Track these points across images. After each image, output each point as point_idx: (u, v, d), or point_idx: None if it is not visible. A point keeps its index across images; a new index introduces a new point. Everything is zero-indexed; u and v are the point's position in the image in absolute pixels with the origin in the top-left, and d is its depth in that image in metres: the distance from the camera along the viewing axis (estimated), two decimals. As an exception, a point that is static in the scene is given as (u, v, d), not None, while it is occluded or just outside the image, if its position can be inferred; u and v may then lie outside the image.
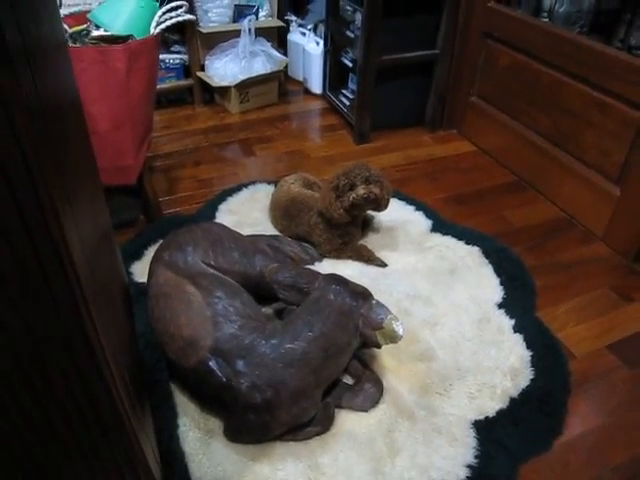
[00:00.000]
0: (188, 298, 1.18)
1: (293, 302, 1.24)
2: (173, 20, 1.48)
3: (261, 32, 2.52)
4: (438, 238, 1.73)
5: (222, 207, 1.85)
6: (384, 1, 1.96)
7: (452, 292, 1.52)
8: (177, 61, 2.52)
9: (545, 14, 2.18)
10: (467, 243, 1.70)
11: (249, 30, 2.37)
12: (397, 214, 1.83)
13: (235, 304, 1.18)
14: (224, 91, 2.54)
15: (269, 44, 2.51)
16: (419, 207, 1.87)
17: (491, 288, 1.54)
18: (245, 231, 1.69)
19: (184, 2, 1.60)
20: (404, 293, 1.51)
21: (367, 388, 1.22)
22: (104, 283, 0.90)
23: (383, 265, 1.61)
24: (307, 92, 2.80)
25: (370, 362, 1.31)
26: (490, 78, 2.16)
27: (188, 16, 1.55)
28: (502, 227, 1.84)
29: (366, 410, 1.20)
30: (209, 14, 2.45)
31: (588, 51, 1.70)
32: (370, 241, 1.71)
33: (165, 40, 2.53)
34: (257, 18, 2.51)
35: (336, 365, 1.13)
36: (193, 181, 2.10)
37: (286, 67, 2.75)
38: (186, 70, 2.55)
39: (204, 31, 2.44)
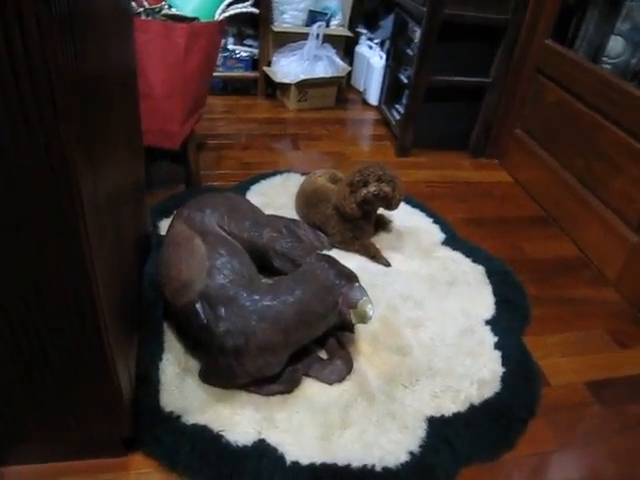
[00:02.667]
0: (193, 248, 1.32)
1: (286, 271, 1.35)
2: (237, 10, 1.65)
3: (329, 39, 2.67)
4: (447, 251, 1.79)
5: (254, 188, 2.00)
6: (442, 24, 2.06)
7: (445, 301, 1.58)
8: (247, 54, 2.72)
9: (605, 59, 2.20)
10: (473, 261, 1.76)
11: (317, 35, 2.53)
12: (414, 222, 1.91)
13: (233, 262, 1.30)
14: (285, 88, 2.70)
15: (334, 51, 2.66)
16: (437, 220, 1.94)
17: (484, 305, 1.59)
18: (268, 212, 1.83)
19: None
20: (398, 292, 1.58)
21: (337, 364, 1.31)
22: (115, 225, 1.05)
23: (387, 264, 1.70)
24: (364, 102, 2.93)
25: (347, 344, 1.39)
26: (536, 113, 2.20)
27: (252, 9, 1.71)
28: (515, 255, 1.87)
29: (330, 383, 1.29)
30: (284, 15, 2.64)
31: (632, 99, 1.73)
32: (380, 241, 1.80)
33: (240, 33, 2.74)
34: (328, 25, 2.67)
35: (307, 331, 1.22)
36: (237, 162, 2.27)
37: (349, 75, 2.90)
38: (254, 63, 2.75)
39: (276, 30, 2.62)
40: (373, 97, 2.82)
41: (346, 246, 1.72)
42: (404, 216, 1.94)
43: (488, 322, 1.53)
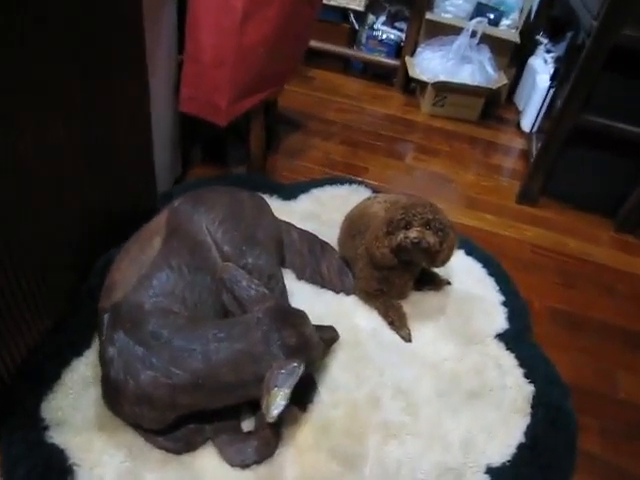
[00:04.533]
0: (144, 248, 1.13)
1: (231, 311, 1.09)
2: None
3: (491, 41, 2.20)
4: (497, 349, 1.33)
5: (314, 191, 1.73)
6: (614, 48, 1.50)
7: (450, 418, 1.16)
8: (393, 37, 2.38)
9: None
10: (526, 375, 1.28)
11: (473, 32, 2.09)
12: (477, 293, 1.47)
13: (179, 281, 1.08)
14: (423, 86, 2.32)
15: (489, 56, 2.19)
16: (512, 302, 1.46)
17: (499, 447, 1.13)
18: (309, 225, 1.56)
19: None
20: (394, 380, 1.21)
21: (250, 444, 1.03)
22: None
23: (406, 339, 1.32)
24: (517, 125, 2.40)
25: (285, 423, 1.09)
26: None
27: None
28: (598, 387, 1.33)
29: (232, 464, 1.02)
30: (446, 2, 2.23)
31: None
32: (417, 304, 1.40)
33: (396, 14, 2.40)
34: (495, 24, 2.19)
35: (206, 398, 0.96)
36: (323, 156, 2.01)
37: (512, 89, 2.39)
38: (399, 50, 2.40)
39: (431, 18, 2.23)
40: (527, 122, 2.29)
41: (367, 298, 1.38)
42: (470, 281, 1.51)
43: (493, 475, 1.09)
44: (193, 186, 1.65)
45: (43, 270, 1.08)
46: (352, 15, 2.38)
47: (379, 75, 2.56)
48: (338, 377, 1.20)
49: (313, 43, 2.43)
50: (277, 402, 0.88)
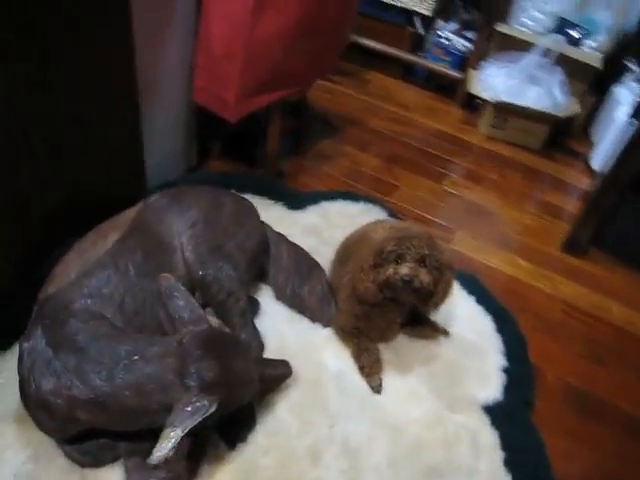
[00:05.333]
0: (97, 243, 1.05)
1: (163, 325, 0.99)
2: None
3: (567, 63, 1.93)
4: (478, 423, 1.13)
5: (325, 204, 1.60)
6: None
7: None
8: (460, 47, 2.17)
9: None
10: (506, 462, 1.07)
11: (546, 51, 1.84)
12: (477, 350, 1.27)
13: (120, 286, 0.99)
14: (483, 104, 2.10)
15: (561, 79, 1.92)
16: (515, 367, 1.25)
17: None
18: (309, 240, 1.43)
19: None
20: (343, 435, 1.06)
21: (153, 475, 0.92)
22: None
23: (375, 389, 1.16)
24: (586, 161, 2.10)
25: (208, 465, 0.98)
26: None
27: None
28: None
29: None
30: (523, 14, 1.99)
31: None
32: (400, 351, 1.24)
33: (467, 22, 2.19)
34: (577, 45, 1.92)
35: (106, 419, 0.87)
36: (351, 165, 1.86)
37: (588, 120, 2.10)
38: (464, 62, 2.18)
39: (502, 30, 2.00)
40: (598, 159, 2.00)
41: (343, 335, 1.23)
42: (472, 335, 1.31)
43: None
44: (199, 179, 1.59)
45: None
46: (418, 19, 2.19)
47: (442, 87, 2.34)
48: (282, 419, 1.07)
49: (371, 44, 2.28)
50: (164, 444, 0.77)
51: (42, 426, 0.92)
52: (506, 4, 2.02)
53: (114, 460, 0.96)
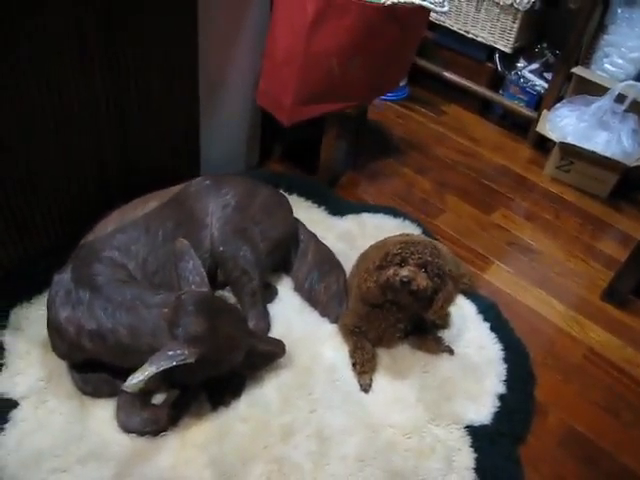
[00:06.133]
0: (138, 207, 1.21)
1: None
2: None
3: (645, 111, 1.86)
4: (458, 441, 1.13)
5: (363, 215, 1.66)
6: None
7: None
8: (537, 87, 2.15)
9: None
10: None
11: (619, 96, 1.79)
12: (476, 375, 1.26)
13: (148, 246, 1.14)
14: (551, 144, 2.06)
15: (635, 128, 1.84)
16: (512, 396, 1.23)
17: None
18: (339, 245, 1.51)
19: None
20: (319, 424, 1.11)
21: (136, 413, 1.06)
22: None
23: (364, 388, 1.20)
24: (656, 216, 1.99)
25: (187, 419, 1.08)
26: None
27: (423, 2, 1.30)
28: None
29: (117, 423, 1.05)
30: (605, 60, 1.94)
31: None
32: (399, 359, 1.26)
33: (549, 64, 2.17)
34: (657, 94, 1.84)
35: (105, 352, 1.02)
36: (403, 186, 1.91)
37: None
38: (539, 102, 2.16)
39: (580, 73, 1.97)
40: (669, 215, 1.89)
41: (345, 333, 1.29)
42: (477, 358, 1.31)
43: None
44: (252, 174, 1.71)
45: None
46: (497, 55, 2.21)
47: (517, 124, 2.33)
48: (267, 394, 1.15)
49: (451, 76, 2.33)
50: (137, 374, 0.88)
51: (55, 348, 1.07)
52: (590, 48, 1.99)
53: (110, 395, 1.08)
